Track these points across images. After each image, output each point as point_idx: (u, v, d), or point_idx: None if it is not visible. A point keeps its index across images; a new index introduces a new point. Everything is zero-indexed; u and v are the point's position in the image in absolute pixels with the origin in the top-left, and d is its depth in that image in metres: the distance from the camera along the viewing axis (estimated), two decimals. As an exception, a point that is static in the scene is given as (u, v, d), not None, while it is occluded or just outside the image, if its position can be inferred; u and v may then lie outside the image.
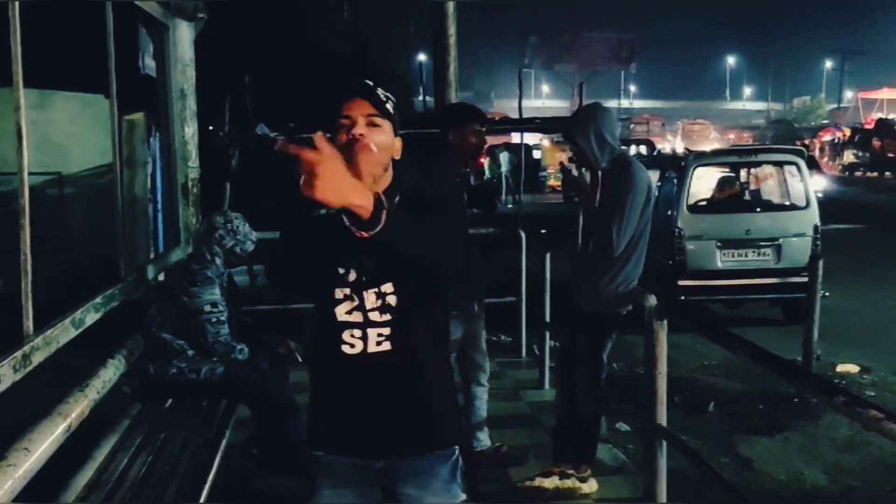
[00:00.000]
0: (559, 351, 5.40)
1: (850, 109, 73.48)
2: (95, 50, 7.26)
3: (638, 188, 4.48)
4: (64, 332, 3.46)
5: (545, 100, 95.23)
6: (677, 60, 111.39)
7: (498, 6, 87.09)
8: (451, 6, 8.30)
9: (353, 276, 2.53)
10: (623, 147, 4.84)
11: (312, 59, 14.77)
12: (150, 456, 3.98)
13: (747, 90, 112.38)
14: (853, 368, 8.46)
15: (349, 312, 2.52)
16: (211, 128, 8.61)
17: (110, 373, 3.89)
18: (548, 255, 7.29)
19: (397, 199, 2.45)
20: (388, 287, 2.51)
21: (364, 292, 2.52)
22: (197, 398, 4.69)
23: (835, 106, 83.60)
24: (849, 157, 45.80)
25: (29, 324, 3.20)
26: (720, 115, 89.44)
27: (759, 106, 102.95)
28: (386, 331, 2.50)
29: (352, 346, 2.51)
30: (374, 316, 2.51)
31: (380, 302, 2.51)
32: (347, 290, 2.53)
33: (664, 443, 4.26)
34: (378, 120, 2.48)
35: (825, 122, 70.39)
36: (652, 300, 4.21)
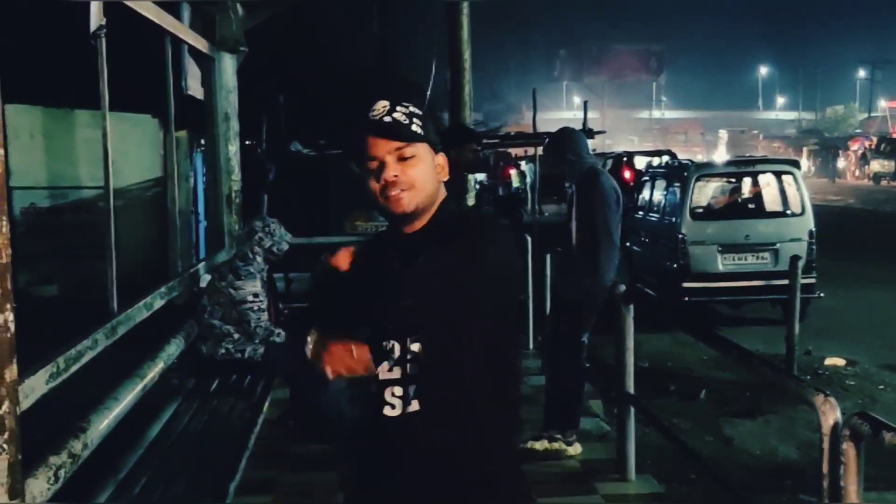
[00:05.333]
0: (545, 334, 6.20)
1: (880, 119, 73.31)
2: (142, 73, 8.06)
3: (606, 193, 5.33)
4: (138, 312, 4.33)
5: (576, 111, 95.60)
6: (708, 70, 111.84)
7: (529, 19, 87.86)
8: (465, 32, 9.14)
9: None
10: (593, 160, 5.70)
11: (342, 77, 15.59)
12: (205, 416, 4.84)
13: (780, 100, 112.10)
14: (840, 361, 9.11)
15: (391, 369, 2.18)
16: (251, 142, 9.38)
17: (173, 349, 4.78)
18: (548, 256, 8.09)
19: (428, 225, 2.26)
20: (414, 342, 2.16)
21: (406, 340, 2.16)
22: (242, 374, 5.54)
23: (866, 115, 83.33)
24: (875, 166, 45.90)
25: (114, 304, 4.07)
26: (753, 124, 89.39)
27: (792, 115, 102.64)
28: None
29: (392, 406, 2.17)
30: (412, 368, 2.16)
31: (408, 354, 2.16)
32: (391, 343, 2.17)
33: (631, 408, 5.05)
34: (408, 150, 2.19)
35: (858, 131, 70.30)
36: (622, 289, 5.01)
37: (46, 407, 3.04)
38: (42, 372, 3.01)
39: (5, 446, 2.34)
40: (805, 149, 58.79)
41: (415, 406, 2.14)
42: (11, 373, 2.38)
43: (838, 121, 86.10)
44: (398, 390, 2.16)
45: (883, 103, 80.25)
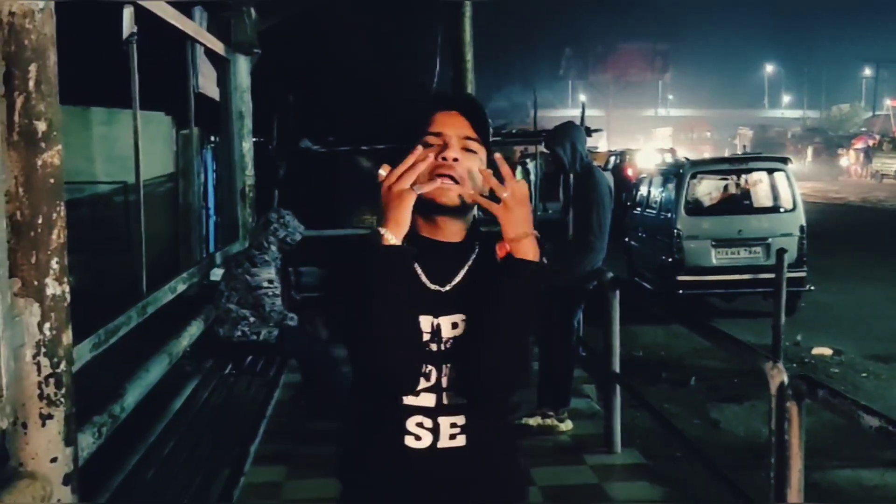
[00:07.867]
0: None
1: (883, 117, 73.41)
2: (157, 72, 8.42)
3: (601, 189, 5.71)
4: (164, 294, 4.74)
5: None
6: (714, 69, 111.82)
7: (535, 18, 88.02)
8: (467, 34, 9.51)
9: (433, 345, 1.97)
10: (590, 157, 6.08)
11: (350, 77, 15.93)
12: (223, 392, 5.26)
13: (786, 98, 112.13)
14: (827, 351, 9.47)
15: (417, 394, 1.95)
16: (263, 140, 9.74)
17: (194, 329, 5.20)
18: (545, 247, 8.45)
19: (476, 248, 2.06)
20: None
21: (443, 366, 1.96)
22: (256, 356, 5.95)
23: (871, 114, 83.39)
24: (877, 164, 46.22)
25: (143, 287, 4.48)
26: (759, 123, 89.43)
27: (797, 114, 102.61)
28: (460, 420, 1.95)
29: (418, 437, 1.95)
30: (449, 398, 1.96)
31: (461, 381, 1.95)
32: (428, 367, 1.95)
33: (617, 386, 5.44)
34: (475, 146, 2.00)
35: (863, 129, 70.41)
36: (609, 276, 5.40)
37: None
38: (87, 341, 3.42)
39: (62, 399, 2.74)
40: (811, 147, 59.10)
41: (459, 440, 1.96)
42: (68, 337, 2.78)
43: (843, 119, 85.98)
44: (427, 421, 1.96)
45: (888, 102, 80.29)
